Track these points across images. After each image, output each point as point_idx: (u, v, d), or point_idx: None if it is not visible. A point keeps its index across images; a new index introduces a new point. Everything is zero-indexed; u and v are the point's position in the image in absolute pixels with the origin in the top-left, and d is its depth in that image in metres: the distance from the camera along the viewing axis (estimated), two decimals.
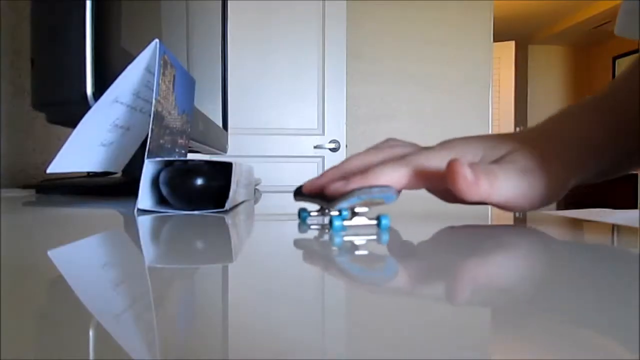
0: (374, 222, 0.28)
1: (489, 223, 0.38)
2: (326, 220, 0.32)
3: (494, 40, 2.65)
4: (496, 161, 0.32)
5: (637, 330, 0.11)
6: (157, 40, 0.38)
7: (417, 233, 0.31)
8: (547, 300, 0.14)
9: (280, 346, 0.10)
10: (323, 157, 2.13)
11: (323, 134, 2.13)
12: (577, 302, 0.13)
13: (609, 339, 0.11)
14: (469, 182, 0.27)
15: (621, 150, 0.38)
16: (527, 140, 0.33)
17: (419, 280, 0.16)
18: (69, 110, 0.47)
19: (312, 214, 0.32)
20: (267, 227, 0.35)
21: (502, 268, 0.19)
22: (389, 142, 0.36)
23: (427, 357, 0.09)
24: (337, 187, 0.28)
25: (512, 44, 4.34)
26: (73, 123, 0.37)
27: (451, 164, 0.28)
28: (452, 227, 0.32)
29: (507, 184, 0.29)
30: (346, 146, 2.15)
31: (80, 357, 0.09)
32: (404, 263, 0.20)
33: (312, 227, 0.30)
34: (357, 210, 0.29)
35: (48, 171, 0.37)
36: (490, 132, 1.67)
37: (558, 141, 0.35)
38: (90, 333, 0.11)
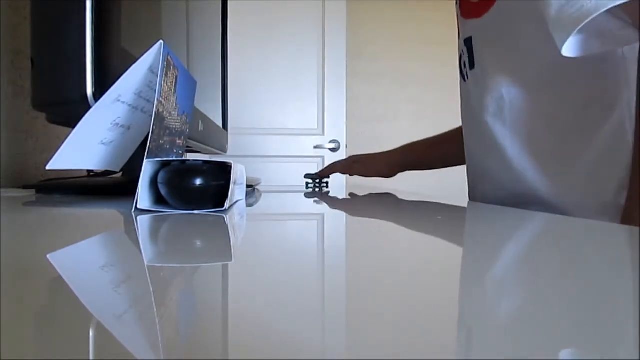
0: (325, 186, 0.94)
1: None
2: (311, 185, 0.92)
3: None
4: (358, 162, 0.97)
5: None
6: (161, 41, 0.38)
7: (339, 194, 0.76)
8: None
9: (280, 344, 0.10)
10: (323, 157, 2.13)
11: (323, 134, 2.13)
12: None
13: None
14: (350, 170, 0.96)
15: (436, 157, 0.93)
16: (374, 154, 0.97)
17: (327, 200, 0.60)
18: (69, 110, 0.47)
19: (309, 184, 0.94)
20: (264, 226, 0.36)
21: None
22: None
23: None
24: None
25: None
26: (73, 123, 0.37)
27: (350, 166, 0.97)
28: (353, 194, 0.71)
29: (357, 169, 0.96)
30: (346, 146, 2.15)
31: (82, 358, 0.09)
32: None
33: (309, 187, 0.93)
34: (323, 181, 0.95)
35: (48, 167, 0.37)
36: None
37: (386, 154, 0.95)
38: (92, 333, 0.11)
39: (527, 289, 0.16)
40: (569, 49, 0.46)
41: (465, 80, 0.66)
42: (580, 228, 0.33)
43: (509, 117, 0.56)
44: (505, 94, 0.56)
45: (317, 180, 0.94)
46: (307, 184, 0.95)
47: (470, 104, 0.64)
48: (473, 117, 0.63)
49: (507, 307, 0.13)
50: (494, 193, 0.61)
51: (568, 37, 0.44)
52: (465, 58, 0.63)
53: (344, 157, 2.15)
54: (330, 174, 0.96)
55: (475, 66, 0.61)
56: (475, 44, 0.60)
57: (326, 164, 2.15)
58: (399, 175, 0.95)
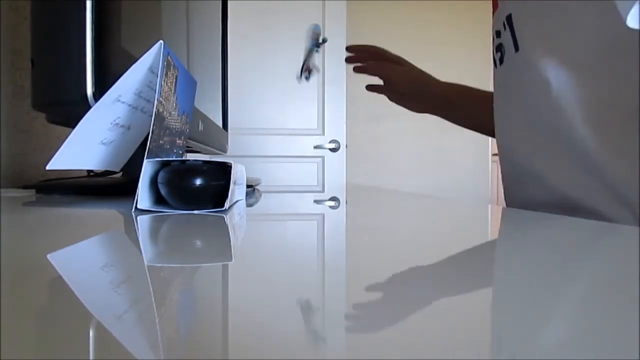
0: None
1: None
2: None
3: None
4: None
5: None
6: (161, 41, 0.38)
7: None
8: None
9: (280, 344, 0.10)
10: (323, 157, 2.13)
11: (323, 134, 2.13)
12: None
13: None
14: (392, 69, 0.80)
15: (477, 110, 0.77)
16: (432, 78, 0.80)
17: None
18: (69, 110, 0.47)
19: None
20: (264, 226, 0.36)
21: None
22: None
23: None
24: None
25: None
26: (73, 123, 0.37)
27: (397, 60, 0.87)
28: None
29: (398, 84, 0.81)
30: (346, 146, 2.15)
31: (82, 358, 0.09)
32: None
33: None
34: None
35: (48, 168, 0.37)
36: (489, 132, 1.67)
37: (433, 81, 0.80)
38: (92, 333, 0.11)
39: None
40: (635, 19, 0.40)
41: (496, 67, 0.57)
42: None
43: (556, 105, 0.49)
44: (552, 78, 0.48)
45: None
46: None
47: (510, 94, 0.56)
48: (512, 107, 0.55)
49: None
50: (540, 198, 0.53)
51: (633, 4, 0.39)
52: (507, 39, 0.54)
53: (345, 157, 2.17)
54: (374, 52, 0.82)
55: (519, 48, 0.52)
56: (516, 22, 0.52)
57: (326, 164, 2.17)
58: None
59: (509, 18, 0.53)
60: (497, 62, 0.57)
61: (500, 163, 0.62)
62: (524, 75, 0.52)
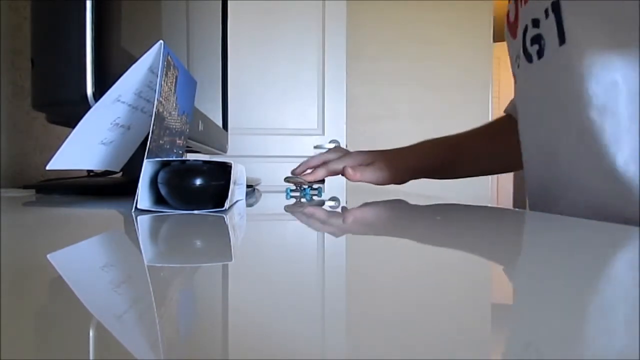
0: (316, 192, 0.68)
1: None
2: (299, 192, 0.69)
3: (494, 40, 2.64)
4: (367, 165, 0.70)
5: None
6: (161, 41, 0.38)
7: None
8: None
9: (280, 344, 0.10)
10: None
11: (323, 134, 2.13)
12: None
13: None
14: (350, 175, 0.66)
15: (462, 162, 0.76)
16: (385, 154, 0.73)
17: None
18: (69, 110, 0.47)
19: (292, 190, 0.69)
20: (264, 226, 0.36)
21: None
22: (330, 150, 0.77)
23: None
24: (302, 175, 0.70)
25: None
26: (73, 123, 0.37)
27: (344, 168, 0.67)
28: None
29: (368, 175, 0.69)
30: (346, 146, 2.15)
31: (82, 358, 0.09)
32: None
33: (292, 195, 0.66)
34: (314, 186, 0.69)
35: (48, 168, 0.37)
36: None
37: (401, 154, 0.74)
38: (92, 333, 0.11)
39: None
40: None
41: (531, 62, 0.50)
42: None
43: (626, 111, 0.41)
44: (620, 78, 0.42)
45: (305, 187, 0.67)
46: (289, 190, 0.68)
47: (547, 95, 0.49)
48: (556, 110, 0.48)
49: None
50: (580, 208, 0.46)
51: None
52: (550, 30, 0.47)
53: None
54: (325, 177, 0.70)
55: (567, 41, 0.45)
56: (566, 10, 0.45)
57: None
58: None
59: (555, 5, 0.46)
60: (534, 56, 0.49)
61: (525, 175, 0.56)
62: (567, 72, 0.46)
